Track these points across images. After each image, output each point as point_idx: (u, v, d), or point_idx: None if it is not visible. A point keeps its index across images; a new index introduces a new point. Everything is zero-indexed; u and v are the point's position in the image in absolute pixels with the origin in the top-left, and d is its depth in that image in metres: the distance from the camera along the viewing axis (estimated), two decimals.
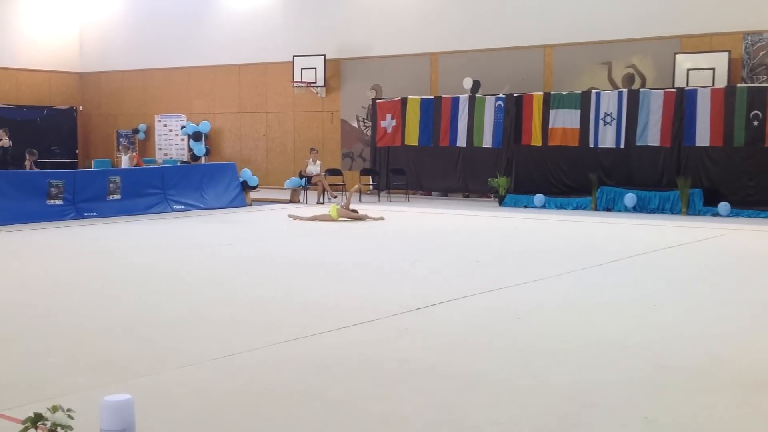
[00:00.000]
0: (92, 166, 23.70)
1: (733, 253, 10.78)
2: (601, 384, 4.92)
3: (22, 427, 3.21)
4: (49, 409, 3.15)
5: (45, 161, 22.98)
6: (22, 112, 24.45)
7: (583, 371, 5.19)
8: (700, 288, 8.19)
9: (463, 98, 18.56)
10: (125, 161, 19.83)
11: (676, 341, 5.99)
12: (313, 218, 14.22)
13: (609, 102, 16.64)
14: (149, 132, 25.34)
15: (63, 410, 3.14)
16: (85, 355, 5.60)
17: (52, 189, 14.40)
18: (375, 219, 14.15)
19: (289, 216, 14.54)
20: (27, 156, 19.07)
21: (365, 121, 21.30)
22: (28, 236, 12.45)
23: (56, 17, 25.71)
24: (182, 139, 24.40)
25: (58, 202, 14.47)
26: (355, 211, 14.28)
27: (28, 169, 17.47)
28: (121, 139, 25.03)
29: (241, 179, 17.63)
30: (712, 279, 8.75)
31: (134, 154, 21.13)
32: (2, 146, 19.97)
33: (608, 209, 16.07)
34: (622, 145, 16.52)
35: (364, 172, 19.88)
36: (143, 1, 25.14)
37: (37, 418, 3.12)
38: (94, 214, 14.73)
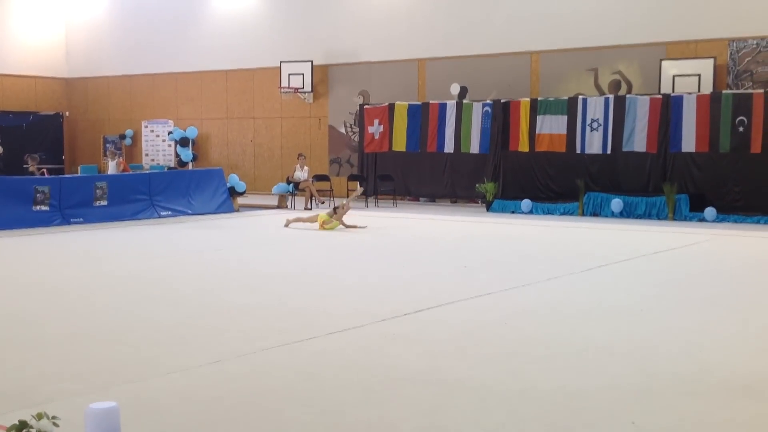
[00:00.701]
0: (79, 171, 23.60)
1: (719, 258, 10.84)
2: (588, 389, 4.92)
3: None
4: (34, 417, 3.12)
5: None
6: (8, 117, 24.33)
7: (571, 377, 5.19)
8: (687, 293, 8.22)
9: (451, 104, 18.59)
10: (112, 167, 19.78)
11: (663, 346, 6.01)
12: (297, 219, 14.09)
13: (595, 108, 16.71)
14: (136, 138, 25.26)
15: (48, 417, 3.12)
16: (72, 361, 5.57)
17: (38, 195, 14.32)
18: (359, 227, 13.86)
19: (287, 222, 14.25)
20: (29, 161, 19.05)
21: (353, 126, 21.30)
22: (14, 242, 12.36)
23: (42, 23, 25.60)
24: (169, 145, 24.34)
25: (44, 208, 14.39)
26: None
27: (38, 174, 17.40)
28: (107, 145, 24.93)
29: (228, 185, 17.59)
30: (698, 284, 8.79)
31: (121, 159, 21.06)
32: None
33: (595, 215, 16.13)
34: (609, 151, 16.58)
35: (352, 177, 19.86)
36: (130, 7, 25.08)
37: (22, 426, 3.09)
38: (81, 220, 14.66)
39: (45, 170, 19.04)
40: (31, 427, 3.09)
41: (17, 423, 3.11)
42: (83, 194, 15.01)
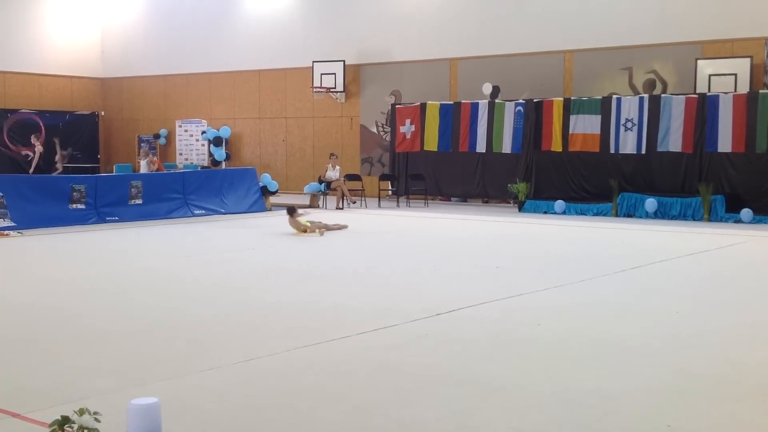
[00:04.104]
0: (114, 170, 23.88)
1: (755, 259, 10.69)
2: (623, 391, 4.90)
3: (49, 430, 3.24)
4: (76, 412, 3.18)
5: (67, 165, 23.22)
6: (45, 117, 24.69)
7: (605, 378, 5.17)
8: (723, 295, 8.13)
9: (483, 104, 18.54)
10: (143, 166, 20.00)
11: (698, 348, 5.95)
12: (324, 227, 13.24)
13: (630, 107, 16.56)
14: (170, 137, 25.51)
15: (90, 413, 3.17)
16: (108, 358, 5.64)
17: (74, 193, 14.53)
18: (329, 228, 12.96)
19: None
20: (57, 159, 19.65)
21: (384, 126, 21.32)
22: (51, 240, 12.55)
23: (78, 23, 25.94)
24: (203, 144, 24.54)
25: (81, 206, 14.59)
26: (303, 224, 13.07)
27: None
28: (142, 144, 25.22)
29: (260, 184, 17.70)
30: (734, 286, 8.69)
31: (155, 158, 21.26)
32: (39, 152, 20.27)
33: (629, 215, 15.99)
34: (643, 151, 16.42)
35: (383, 177, 19.89)
36: (164, 8, 25.32)
37: (64, 421, 3.15)
38: (116, 218, 14.84)
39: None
40: (73, 422, 3.14)
41: (59, 418, 3.16)
42: (118, 193, 15.20)
